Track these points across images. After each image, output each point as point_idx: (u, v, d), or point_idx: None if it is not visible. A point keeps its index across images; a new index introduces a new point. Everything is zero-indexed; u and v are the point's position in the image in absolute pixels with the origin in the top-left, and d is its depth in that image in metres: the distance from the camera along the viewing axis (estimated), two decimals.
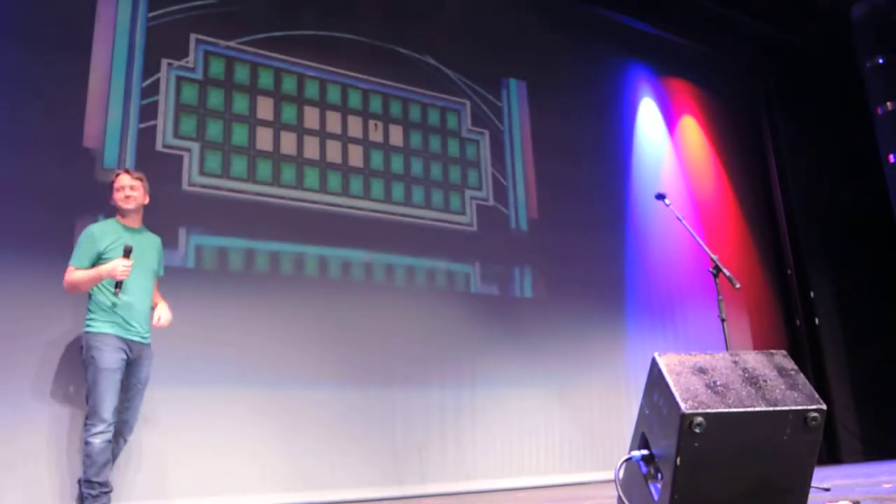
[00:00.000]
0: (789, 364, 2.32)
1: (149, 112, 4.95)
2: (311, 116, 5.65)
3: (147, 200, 3.88)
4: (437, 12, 6.57)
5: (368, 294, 5.51)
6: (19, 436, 4.02)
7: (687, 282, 7.27)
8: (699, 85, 8.49)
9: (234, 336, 4.82)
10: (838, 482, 4.01)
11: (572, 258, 6.58)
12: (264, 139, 5.39)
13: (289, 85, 5.61)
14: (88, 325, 3.62)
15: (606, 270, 6.91)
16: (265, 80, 5.51)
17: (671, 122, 8.09)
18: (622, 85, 7.81)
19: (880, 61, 7.36)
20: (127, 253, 3.58)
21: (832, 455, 7.49)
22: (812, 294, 8.17)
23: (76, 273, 3.61)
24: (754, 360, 2.31)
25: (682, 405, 2.07)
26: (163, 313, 3.83)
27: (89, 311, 3.65)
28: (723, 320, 3.56)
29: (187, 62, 5.21)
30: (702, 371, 2.21)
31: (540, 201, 6.62)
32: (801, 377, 2.27)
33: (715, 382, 2.18)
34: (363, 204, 5.70)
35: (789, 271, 8.33)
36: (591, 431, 6.23)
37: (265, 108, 5.46)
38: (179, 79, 5.15)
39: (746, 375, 2.23)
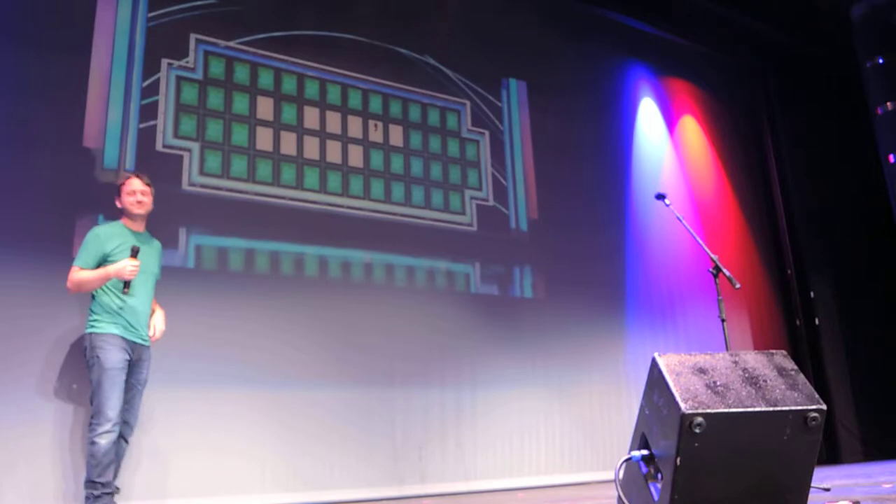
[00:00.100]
0: (789, 364, 2.31)
1: (149, 112, 4.95)
2: (311, 116, 5.65)
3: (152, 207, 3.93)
4: (437, 12, 6.57)
5: (368, 294, 5.51)
6: (20, 436, 4.02)
7: (687, 282, 7.27)
8: (699, 85, 8.49)
9: (234, 336, 4.82)
10: (838, 482, 4.01)
11: (572, 258, 6.59)
12: (264, 139, 5.39)
13: (289, 85, 5.61)
14: (92, 326, 3.63)
15: (606, 270, 6.92)
16: (265, 80, 5.52)
17: (671, 122, 8.09)
18: (622, 85, 7.81)
19: (880, 61, 7.36)
20: (134, 253, 3.61)
21: (832, 455, 7.49)
22: (812, 294, 8.17)
23: (82, 273, 3.62)
24: (754, 360, 2.31)
25: (682, 405, 2.07)
26: (158, 324, 3.87)
27: (92, 312, 3.66)
28: (723, 320, 3.56)
29: (187, 62, 5.21)
30: (702, 371, 2.21)
31: (540, 201, 6.62)
32: (801, 377, 2.27)
33: (715, 382, 2.18)
34: (363, 204, 5.70)
35: (789, 271, 8.33)
36: (591, 431, 6.23)
37: (265, 108, 5.46)
38: (179, 79, 5.15)
39: (746, 375, 2.23)
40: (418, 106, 6.22)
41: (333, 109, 5.77)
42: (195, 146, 5.10)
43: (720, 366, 2.25)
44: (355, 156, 5.77)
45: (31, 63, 4.54)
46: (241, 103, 5.37)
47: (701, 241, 3.84)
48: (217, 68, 5.33)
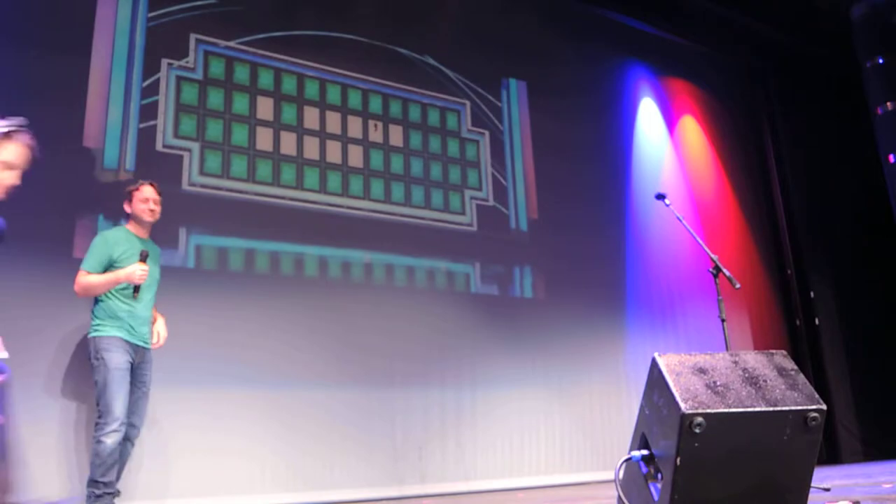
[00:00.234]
0: (789, 364, 2.31)
1: (149, 112, 4.95)
2: (311, 116, 5.65)
3: None
4: (437, 12, 6.57)
5: (368, 294, 5.51)
6: (23, 436, 4.02)
7: (687, 282, 7.27)
8: (699, 85, 8.49)
9: (234, 336, 4.82)
10: (838, 482, 4.01)
11: (572, 258, 6.58)
12: (264, 139, 5.39)
13: (289, 85, 5.61)
14: (97, 330, 3.64)
15: (606, 270, 6.92)
16: (265, 80, 5.52)
17: (671, 122, 8.09)
18: (622, 85, 7.81)
19: (880, 61, 7.36)
20: (144, 258, 3.64)
21: (832, 455, 7.49)
22: (812, 294, 8.16)
23: (91, 277, 3.63)
24: (754, 360, 2.31)
25: (682, 405, 2.07)
26: (161, 331, 3.90)
27: (96, 316, 3.68)
28: (723, 320, 3.56)
29: (187, 62, 5.21)
30: (702, 371, 2.21)
31: (540, 201, 6.62)
32: (801, 377, 2.27)
33: (715, 382, 2.18)
34: (363, 204, 5.70)
35: (789, 271, 8.33)
36: (591, 431, 6.23)
37: (265, 108, 5.46)
38: (179, 79, 5.15)
39: (746, 375, 2.23)
40: (418, 106, 6.22)
41: (333, 109, 5.77)
42: (195, 146, 5.10)
43: (720, 366, 2.25)
44: (355, 156, 5.77)
45: (31, 63, 4.54)
46: (241, 103, 5.37)
47: (701, 241, 3.84)
48: (217, 68, 5.33)
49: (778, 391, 2.18)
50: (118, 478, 3.60)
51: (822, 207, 8.36)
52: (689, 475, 2.07)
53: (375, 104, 5.99)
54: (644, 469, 2.28)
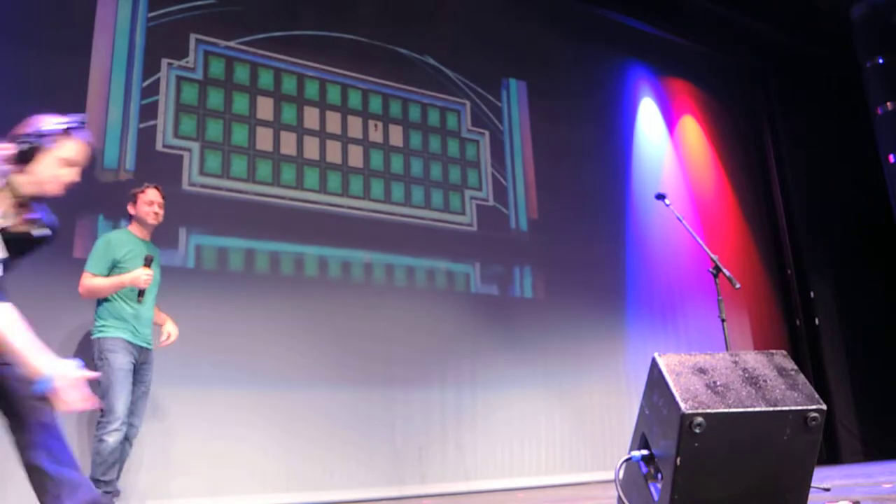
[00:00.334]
0: (789, 364, 2.31)
1: (149, 112, 4.96)
2: (311, 117, 5.65)
3: None
4: (437, 12, 6.57)
5: (368, 294, 5.51)
6: None
7: (687, 282, 7.27)
8: (699, 85, 8.49)
9: (234, 337, 4.82)
10: (838, 482, 4.01)
11: (572, 258, 6.58)
12: (264, 139, 5.39)
13: (289, 85, 5.61)
14: (101, 331, 3.66)
15: (606, 270, 6.91)
16: (265, 80, 5.52)
17: (671, 122, 8.09)
18: (622, 85, 7.81)
19: (880, 61, 7.36)
20: (148, 262, 3.67)
21: (832, 455, 7.49)
22: (812, 294, 8.16)
23: (96, 280, 3.65)
24: (754, 360, 2.31)
25: (682, 405, 2.06)
26: (172, 331, 3.92)
27: (100, 317, 3.69)
28: (723, 320, 3.56)
29: (187, 62, 5.21)
30: (702, 371, 2.21)
31: (540, 201, 6.62)
32: (801, 377, 2.27)
33: (715, 382, 2.18)
34: (363, 204, 5.70)
35: (789, 271, 8.33)
36: (591, 431, 6.23)
37: (265, 108, 5.46)
38: (179, 79, 5.15)
39: (746, 375, 2.23)
40: (418, 106, 6.22)
41: (333, 109, 5.77)
42: (195, 146, 5.10)
43: (720, 366, 2.25)
44: (355, 156, 5.77)
45: (31, 63, 4.54)
46: (241, 103, 5.37)
47: (701, 241, 3.84)
48: (217, 68, 5.33)
49: (778, 391, 2.18)
50: (118, 476, 3.61)
51: (822, 207, 8.35)
52: (689, 475, 2.07)
53: (375, 104, 5.99)
54: (644, 469, 2.28)
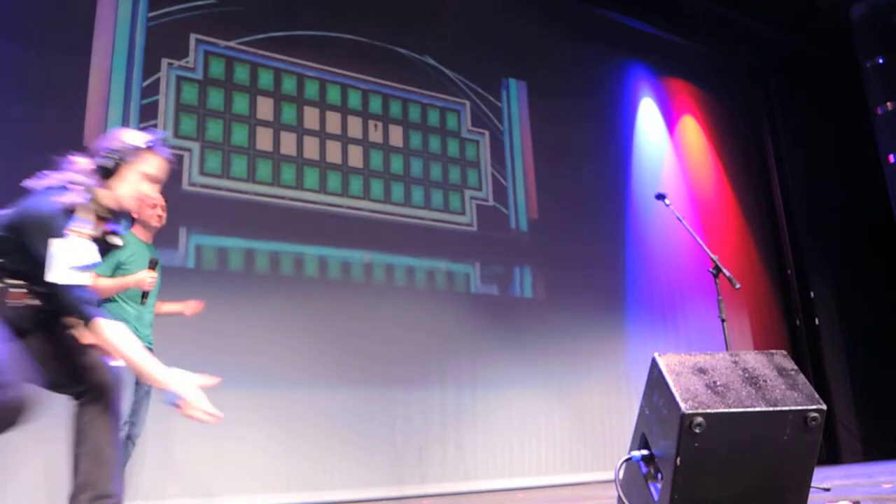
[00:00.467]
0: (789, 364, 2.31)
1: (149, 112, 4.95)
2: (311, 117, 5.65)
3: None
4: (436, 13, 6.57)
5: (368, 294, 5.51)
6: (29, 434, 4.02)
7: (687, 282, 7.27)
8: (699, 85, 8.49)
9: (234, 337, 4.82)
10: (838, 482, 4.01)
11: (572, 258, 6.58)
12: (264, 139, 5.39)
13: (289, 85, 5.61)
14: None
15: (607, 270, 6.91)
16: (265, 80, 5.52)
17: (671, 122, 8.09)
18: (622, 85, 7.81)
19: (880, 61, 7.36)
20: (153, 266, 3.68)
21: (832, 455, 7.49)
22: (812, 294, 8.16)
23: (101, 280, 3.67)
24: (754, 360, 2.31)
25: (682, 405, 2.06)
26: (190, 305, 3.93)
27: None
28: (723, 320, 3.56)
29: (187, 62, 5.21)
30: (702, 371, 2.21)
31: (540, 201, 6.62)
32: (801, 377, 2.27)
33: (715, 382, 2.18)
34: (363, 204, 5.70)
35: (789, 271, 8.33)
36: (592, 431, 6.23)
37: (265, 108, 5.46)
38: (179, 79, 5.15)
39: (746, 375, 2.23)
40: (418, 106, 6.22)
41: (333, 110, 5.77)
42: (195, 146, 5.10)
43: (720, 366, 2.25)
44: (355, 156, 5.77)
45: (31, 63, 4.54)
46: (241, 103, 5.37)
47: (701, 241, 3.83)
48: (217, 68, 5.33)
49: (778, 391, 2.18)
50: None
51: (822, 207, 8.35)
52: (689, 475, 2.07)
53: (375, 104, 5.99)
54: (644, 469, 2.27)
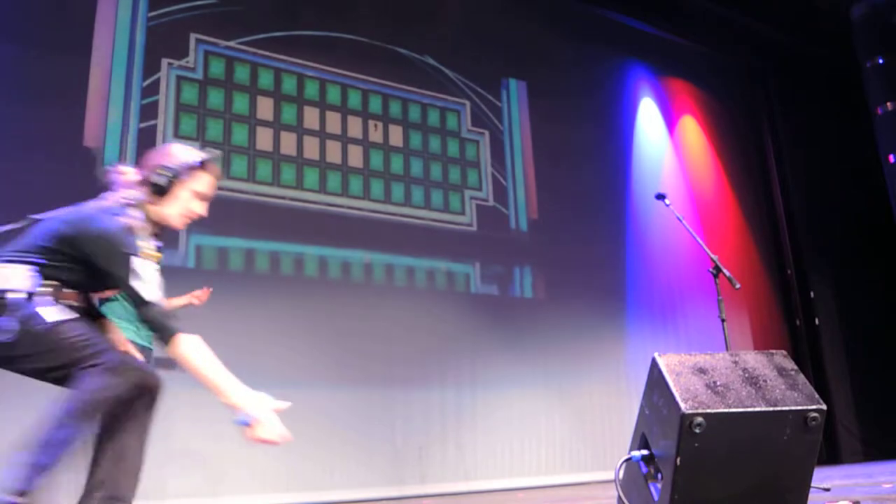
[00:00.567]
0: (789, 364, 2.31)
1: (149, 112, 4.96)
2: (311, 117, 5.65)
3: None
4: (436, 13, 6.57)
5: (368, 294, 5.51)
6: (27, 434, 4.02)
7: (687, 282, 7.27)
8: (699, 85, 8.49)
9: (233, 337, 4.81)
10: (838, 482, 4.01)
11: (572, 258, 6.58)
12: (264, 139, 5.39)
13: (289, 85, 5.61)
14: None
15: (607, 270, 6.91)
16: (265, 80, 5.52)
17: (671, 122, 8.09)
18: (622, 85, 7.81)
19: (880, 61, 7.36)
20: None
21: (832, 455, 7.49)
22: (812, 294, 8.16)
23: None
24: (754, 360, 2.31)
25: (682, 405, 2.06)
26: (196, 294, 3.93)
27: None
28: (723, 320, 3.55)
29: (187, 62, 5.21)
30: (702, 371, 2.21)
31: (540, 201, 6.62)
32: (801, 377, 2.27)
33: (715, 382, 2.18)
34: (363, 204, 5.70)
35: (789, 271, 8.33)
36: (591, 431, 6.23)
37: (265, 108, 5.46)
38: (180, 78, 5.15)
39: (746, 375, 2.23)
40: (418, 106, 6.22)
41: (333, 109, 5.77)
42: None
43: (720, 366, 2.25)
44: (355, 156, 5.77)
45: (31, 63, 4.54)
46: (241, 103, 5.37)
47: (701, 241, 3.83)
48: (217, 68, 5.33)
49: (778, 391, 2.18)
50: None
51: (822, 207, 8.35)
52: (689, 475, 2.07)
53: (375, 104, 5.99)
54: (644, 469, 2.27)
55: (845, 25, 7.72)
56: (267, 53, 5.55)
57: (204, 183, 2.08)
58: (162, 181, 2.00)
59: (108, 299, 3.72)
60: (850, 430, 7.73)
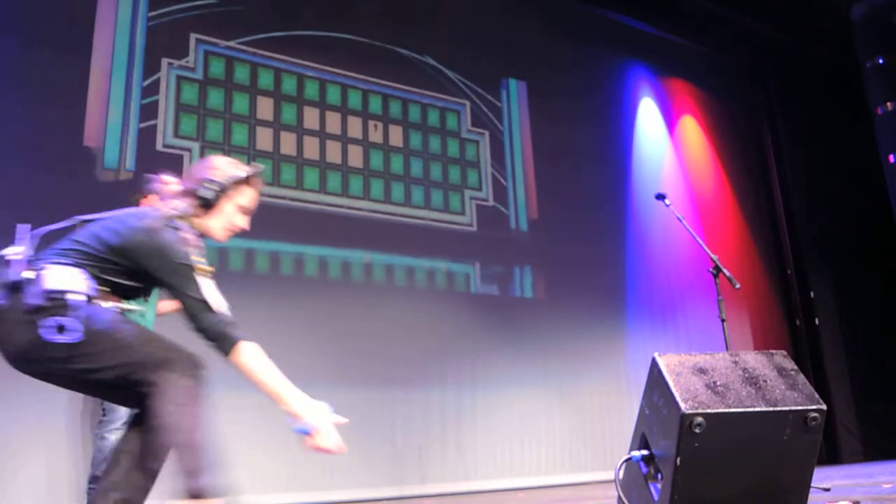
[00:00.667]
0: (789, 364, 2.31)
1: (149, 111, 4.96)
2: (311, 117, 5.65)
3: None
4: (437, 13, 6.57)
5: (368, 294, 5.51)
6: (29, 434, 4.02)
7: (687, 282, 7.27)
8: (699, 85, 8.49)
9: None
10: (838, 482, 4.01)
11: (572, 258, 6.58)
12: (264, 139, 5.39)
13: (289, 85, 5.61)
14: None
15: (607, 270, 6.91)
16: (265, 80, 5.52)
17: (671, 122, 8.09)
18: (622, 85, 7.81)
19: (880, 61, 7.36)
20: None
21: (832, 455, 7.49)
22: (812, 294, 8.16)
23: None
24: (754, 360, 2.31)
25: (682, 405, 2.06)
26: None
27: None
28: (723, 320, 3.55)
29: (187, 62, 5.22)
30: (702, 371, 2.21)
31: (540, 201, 6.62)
32: (801, 377, 2.27)
33: (715, 382, 2.18)
34: (363, 204, 5.70)
35: (789, 271, 8.33)
36: (592, 431, 6.23)
37: (265, 108, 5.46)
38: (180, 78, 5.15)
39: (746, 375, 2.23)
40: (418, 106, 6.22)
41: (333, 110, 5.77)
42: (195, 146, 5.10)
43: (720, 366, 2.25)
44: (355, 156, 5.77)
45: (31, 62, 4.54)
46: (241, 103, 5.37)
47: (701, 242, 3.83)
48: (217, 68, 5.33)
49: (778, 391, 2.18)
50: None
51: (822, 207, 8.36)
52: (689, 475, 2.07)
53: (375, 104, 5.99)
54: (644, 469, 2.27)
55: (845, 25, 7.72)
56: (267, 53, 5.55)
57: (248, 197, 2.10)
58: (209, 195, 2.00)
59: None
60: (850, 430, 7.73)
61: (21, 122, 4.45)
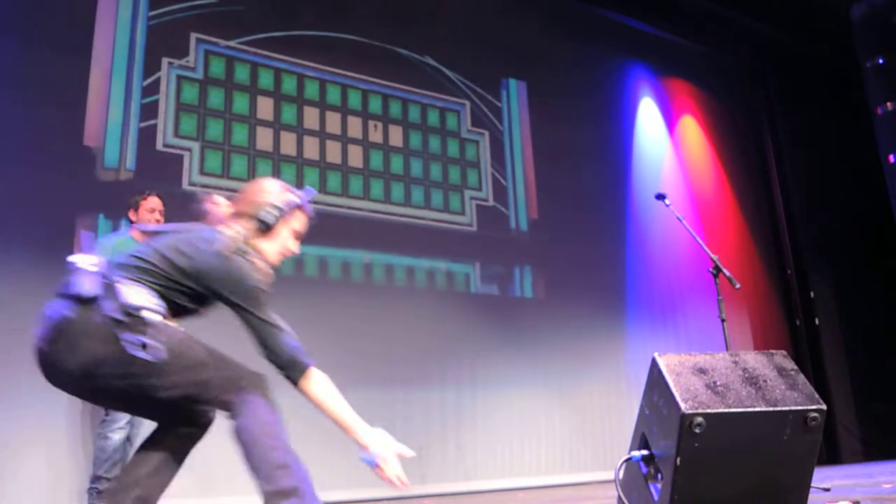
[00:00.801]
0: (789, 364, 2.31)
1: (149, 111, 4.96)
2: (311, 117, 5.65)
3: None
4: (437, 13, 6.57)
5: (368, 294, 5.51)
6: (30, 434, 4.02)
7: (687, 282, 7.27)
8: (699, 85, 8.49)
9: (232, 337, 4.81)
10: (838, 482, 4.01)
11: (573, 258, 6.58)
12: (264, 139, 5.39)
13: (289, 85, 5.61)
14: None
15: (607, 270, 6.91)
16: (265, 80, 5.52)
17: (671, 122, 8.09)
18: (622, 85, 7.81)
19: (880, 61, 7.36)
20: None
21: (832, 455, 7.49)
22: (812, 294, 8.16)
23: None
24: (754, 360, 2.31)
25: (682, 405, 2.06)
26: None
27: None
28: (723, 320, 3.55)
29: (188, 61, 5.22)
30: (702, 371, 2.21)
31: (540, 201, 6.62)
32: (801, 377, 2.27)
33: (715, 382, 2.18)
34: (363, 204, 5.70)
35: (789, 271, 8.34)
36: (592, 431, 6.23)
37: (265, 108, 5.46)
38: (180, 78, 5.15)
39: (746, 375, 2.23)
40: (418, 106, 6.22)
41: (333, 110, 5.77)
42: (195, 146, 5.10)
43: (720, 366, 2.25)
44: (355, 156, 5.77)
45: (31, 62, 4.54)
46: (241, 103, 5.37)
47: (701, 241, 3.83)
48: (217, 68, 5.33)
49: (778, 391, 2.18)
50: None
51: (822, 207, 8.36)
52: (689, 475, 2.07)
53: (375, 104, 5.99)
54: (644, 469, 2.27)
55: (845, 25, 7.72)
56: (267, 53, 5.55)
57: (301, 221, 2.12)
58: (270, 219, 2.01)
59: None
60: (850, 430, 7.73)
61: (21, 122, 4.45)
